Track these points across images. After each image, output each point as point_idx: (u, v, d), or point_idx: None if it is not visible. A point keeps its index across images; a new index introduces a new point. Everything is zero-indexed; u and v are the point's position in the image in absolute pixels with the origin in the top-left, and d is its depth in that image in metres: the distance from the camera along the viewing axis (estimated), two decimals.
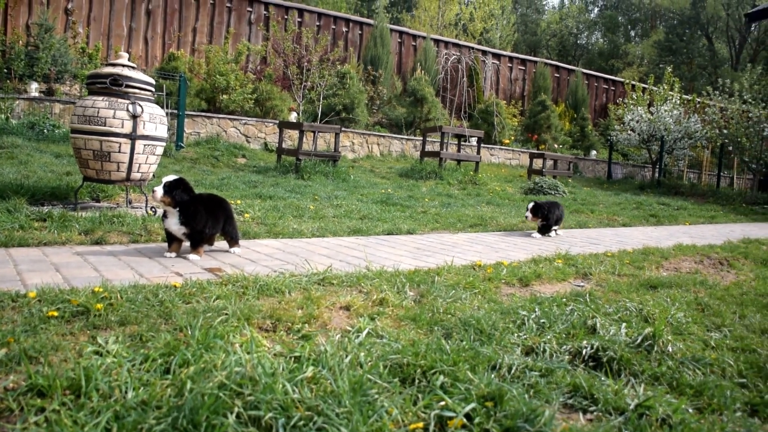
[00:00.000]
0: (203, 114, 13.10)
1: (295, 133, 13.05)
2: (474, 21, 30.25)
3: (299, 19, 17.53)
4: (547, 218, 6.03)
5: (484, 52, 20.99)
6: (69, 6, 14.81)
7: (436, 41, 19.97)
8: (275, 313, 2.41)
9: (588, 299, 3.17)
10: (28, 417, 1.57)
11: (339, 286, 3.03)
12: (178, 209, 3.67)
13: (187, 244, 3.78)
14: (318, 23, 17.99)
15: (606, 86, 24.09)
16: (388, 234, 5.38)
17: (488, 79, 20.62)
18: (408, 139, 15.85)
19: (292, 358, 2.02)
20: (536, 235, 6.11)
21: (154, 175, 5.60)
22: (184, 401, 1.57)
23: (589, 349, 2.33)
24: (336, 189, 8.29)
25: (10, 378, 1.77)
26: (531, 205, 6.08)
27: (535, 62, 22.15)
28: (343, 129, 12.58)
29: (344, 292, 2.90)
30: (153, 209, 5.24)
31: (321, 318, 2.46)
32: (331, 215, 5.99)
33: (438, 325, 2.54)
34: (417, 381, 1.94)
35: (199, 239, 3.73)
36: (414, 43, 19.70)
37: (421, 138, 14.26)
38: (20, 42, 13.30)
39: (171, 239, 3.75)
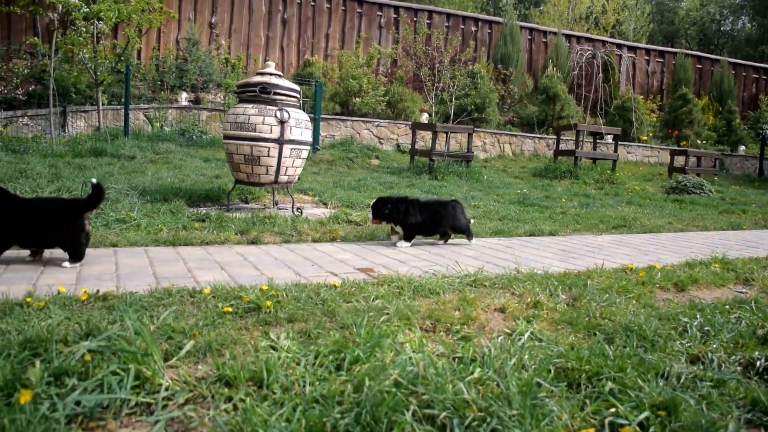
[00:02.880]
0: (337, 117, 13.51)
1: (427, 134, 13.17)
2: (606, 13, 29.13)
3: (428, 21, 17.66)
4: (397, 219, 4.36)
5: (619, 46, 20.19)
6: (212, 20, 15.77)
7: (568, 36, 19.45)
8: (433, 314, 2.46)
9: (754, 307, 2.98)
10: (219, 404, 1.71)
11: (491, 288, 3.05)
12: None
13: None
14: (447, 24, 18.04)
15: (756, 75, 22.41)
16: (530, 235, 5.32)
17: (623, 73, 19.82)
18: (540, 138, 15.55)
19: (455, 359, 2.06)
20: (401, 244, 4.40)
21: (299, 178, 5.85)
22: (363, 397, 1.64)
23: (763, 360, 2.20)
24: (471, 189, 8.29)
25: (199, 368, 1.93)
26: (374, 202, 4.45)
27: (674, 53, 21.01)
28: (474, 129, 12.56)
29: (497, 294, 2.91)
30: (299, 210, 5.49)
31: (478, 320, 2.48)
32: (470, 216, 6.00)
33: (596, 329, 2.49)
34: (583, 386, 1.92)
35: None
36: (545, 40, 19.28)
37: (554, 136, 13.95)
38: (171, 56, 14.34)
39: None
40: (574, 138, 13.07)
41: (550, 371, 1.96)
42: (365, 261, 3.76)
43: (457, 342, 2.26)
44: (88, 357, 1.83)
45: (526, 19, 28.81)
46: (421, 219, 4.39)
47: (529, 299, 2.82)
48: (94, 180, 3.46)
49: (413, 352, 1.96)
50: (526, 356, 2.05)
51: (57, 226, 3.33)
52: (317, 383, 1.80)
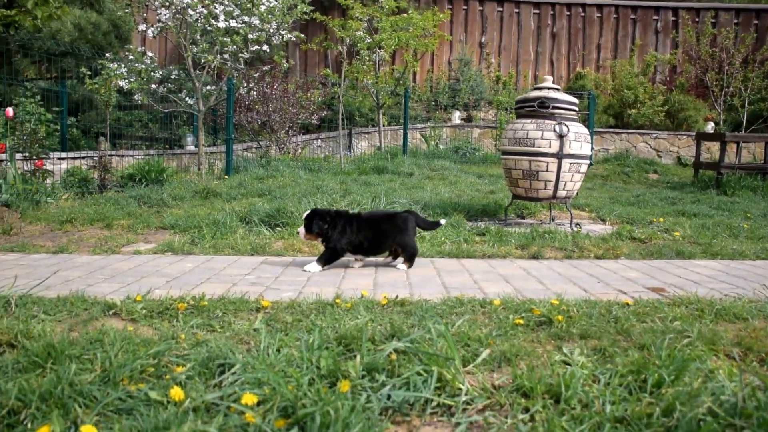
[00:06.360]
0: (611, 130, 13.00)
1: (713, 145, 12.05)
2: None
3: (713, 20, 16.16)
4: (328, 237, 3.75)
5: None
6: (482, 40, 16.18)
7: None
8: (743, 341, 2.23)
9: None
10: (516, 414, 1.73)
11: None
12: None
13: None
14: (736, 21, 16.34)
15: None
16: None
17: None
18: None
19: None
20: (310, 267, 3.71)
21: (577, 193, 5.72)
22: (675, 423, 1.55)
23: None
24: None
25: (495, 376, 1.98)
26: (305, 214, 3.86)
27: None
28: None
29: None
30: (578, 225, 5.36)
31: None
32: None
33: None
34: None
35: None
36: None
37: None
38: (444, 77, 15.02)
39: None
40: None
41: None
42: (655, 280, 3.54)
43: None
44: (394, 356, 1.97)
45: None
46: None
47: None
48: None
49: (729, 380, 1.80)
50: None
51: None
52: (619, 403, 1.74)
